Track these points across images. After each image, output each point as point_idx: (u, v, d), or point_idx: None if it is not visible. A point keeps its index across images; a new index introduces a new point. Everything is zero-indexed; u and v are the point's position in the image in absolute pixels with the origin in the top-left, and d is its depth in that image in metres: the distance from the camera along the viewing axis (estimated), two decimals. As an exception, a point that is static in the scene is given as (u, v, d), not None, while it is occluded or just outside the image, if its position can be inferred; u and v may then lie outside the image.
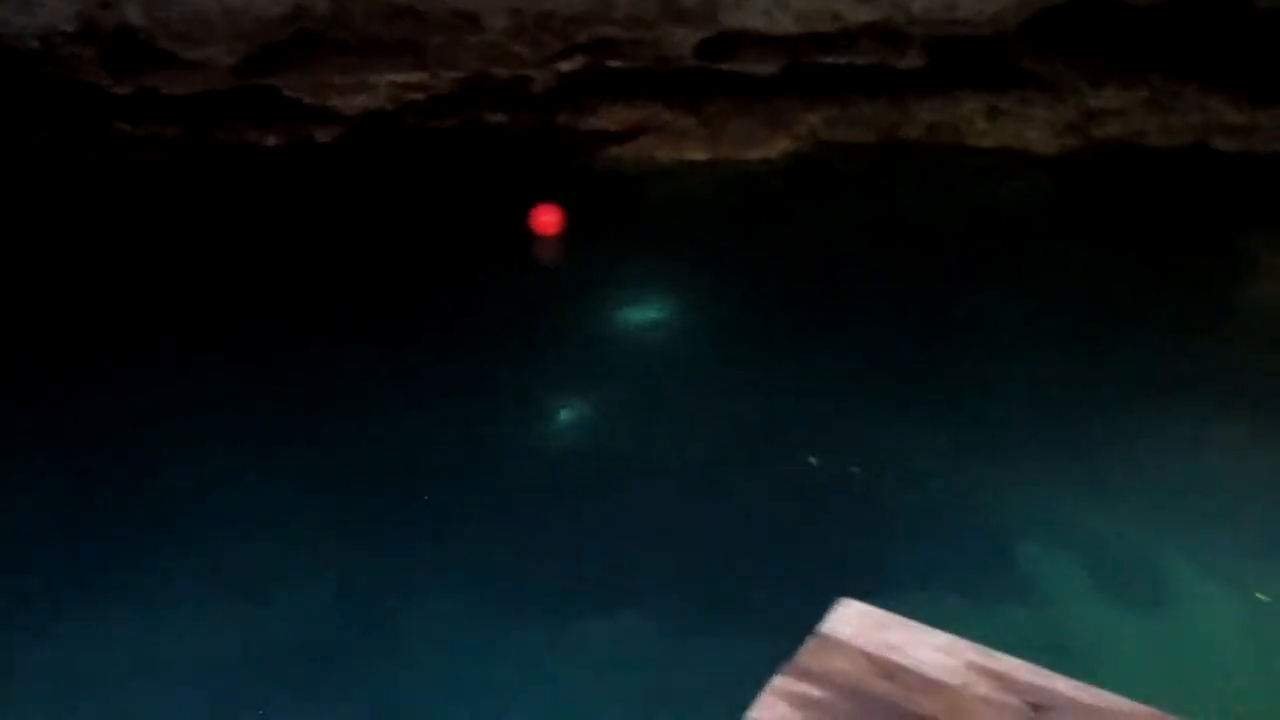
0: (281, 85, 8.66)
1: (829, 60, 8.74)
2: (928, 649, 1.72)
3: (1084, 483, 5.04)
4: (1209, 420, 5.48)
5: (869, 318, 6.55)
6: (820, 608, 1.77)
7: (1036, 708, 1.62)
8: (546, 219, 7.37)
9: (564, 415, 5.82)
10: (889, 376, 5.93)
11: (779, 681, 1.65)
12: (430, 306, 6.56)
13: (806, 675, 1.66)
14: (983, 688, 1.65)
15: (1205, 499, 4.90)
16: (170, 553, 4.59)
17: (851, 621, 1.77)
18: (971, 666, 1.69)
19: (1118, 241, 7.46)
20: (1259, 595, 4.32)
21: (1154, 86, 8.67)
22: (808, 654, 1.70)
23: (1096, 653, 4.05)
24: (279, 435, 5.32)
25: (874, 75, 8.77)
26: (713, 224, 7.68)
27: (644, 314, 6.59)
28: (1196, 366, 5.95)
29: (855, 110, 8.73)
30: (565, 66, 8.24)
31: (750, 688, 1.67)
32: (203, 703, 3.92)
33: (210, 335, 6.19)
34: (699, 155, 8.50)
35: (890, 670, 1.68)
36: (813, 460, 5.06)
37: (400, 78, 8.59)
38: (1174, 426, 5.42)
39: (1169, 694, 3.76)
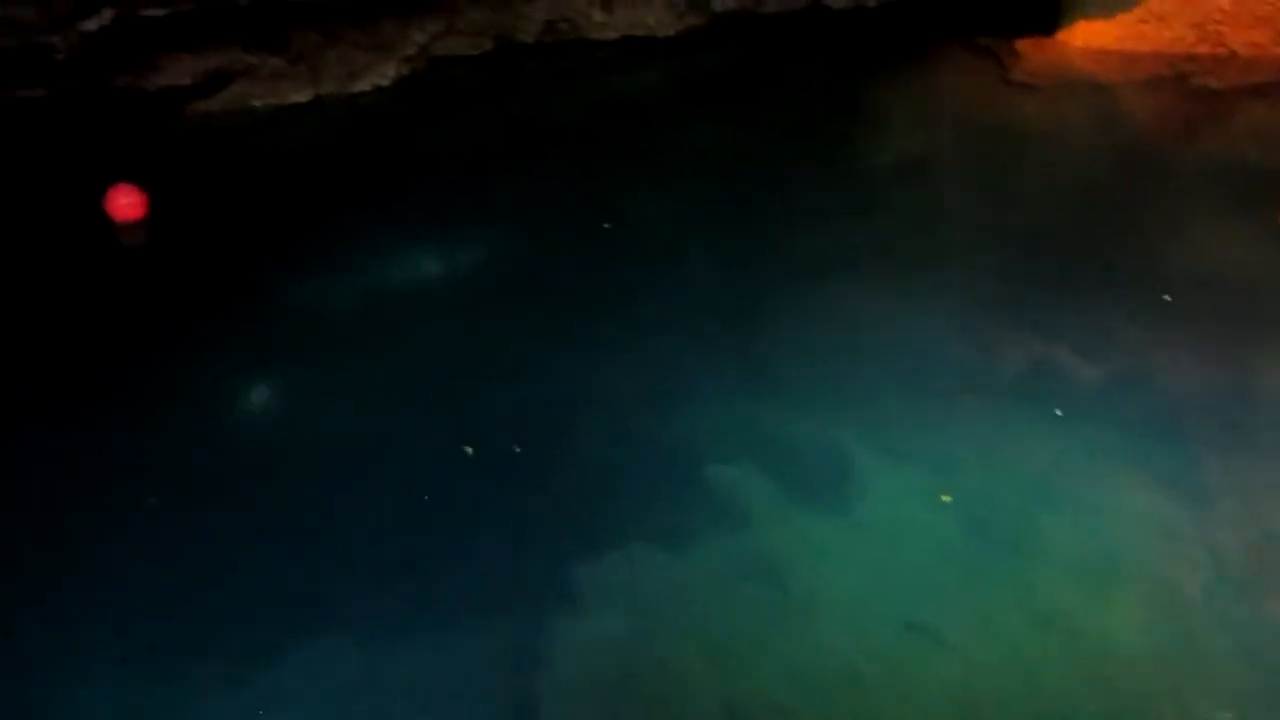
0: None
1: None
2: None
3: (758, 384, 4.83)
4: (867, 297, 5.39)
5: (508, 235, 6.07)
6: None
7: None
8: (124, 202, 6.19)
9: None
10: (538, 295, 5.49)
11: None
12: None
13: None
14: None
15: (880, 386, 4.79)
16: None
17: None
18: None
19: (752, 116, 7.27)
20: (943, 497, 4.22)
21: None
22: None
23: (794, 568, 3.91)
24: None
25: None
26: (323, 171, 6.76)
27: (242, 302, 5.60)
28: (845, 239, 5.87)
29: (463, 20, 7.95)
30: (90, 25, 6.79)
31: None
32: None
33: None
34: (300, 96, 7.49)
35: None
36: (468, 450, 4.47)
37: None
38: (834, 309, 5.31)
39: (861, 604, 3.73)
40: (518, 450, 4.45)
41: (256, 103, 7.41)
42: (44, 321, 5.32)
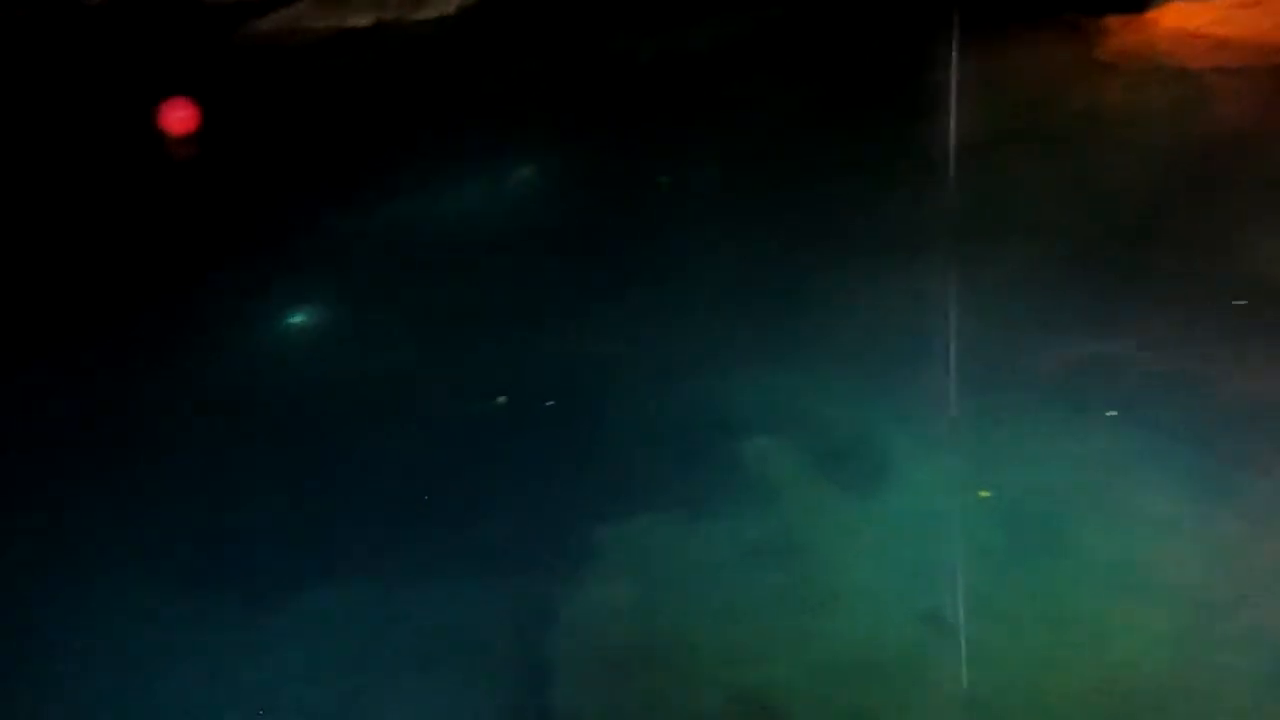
0: None
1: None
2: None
3: (800, 359, 4.69)
4: (924, 277, 5.20)
5: (559, 181, 6.01)
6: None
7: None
8: (177, 115, 6.17)
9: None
10: (585, 248, 5.39)
11: None
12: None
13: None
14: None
15: (926, 371, 4.61)
16: None
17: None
18: None
19: (820, 77, 7.08)
20: (981, 493, 4.06)
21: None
22: None
23: (817, 551, 3.81)
24: None
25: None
26: (376, 98, 6.66)
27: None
28: (907, 216, 5.68)
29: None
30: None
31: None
32: None
33: None
34: (361, 21, 7.40)
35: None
36: (500, 400, 4.39)
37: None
38: (887, 287, 5.13)
39: (881, 593, 3.62)
40: (549, 404, 4.37)
41: (316, 24, 7.32)
42: (83, 231, 5.33)
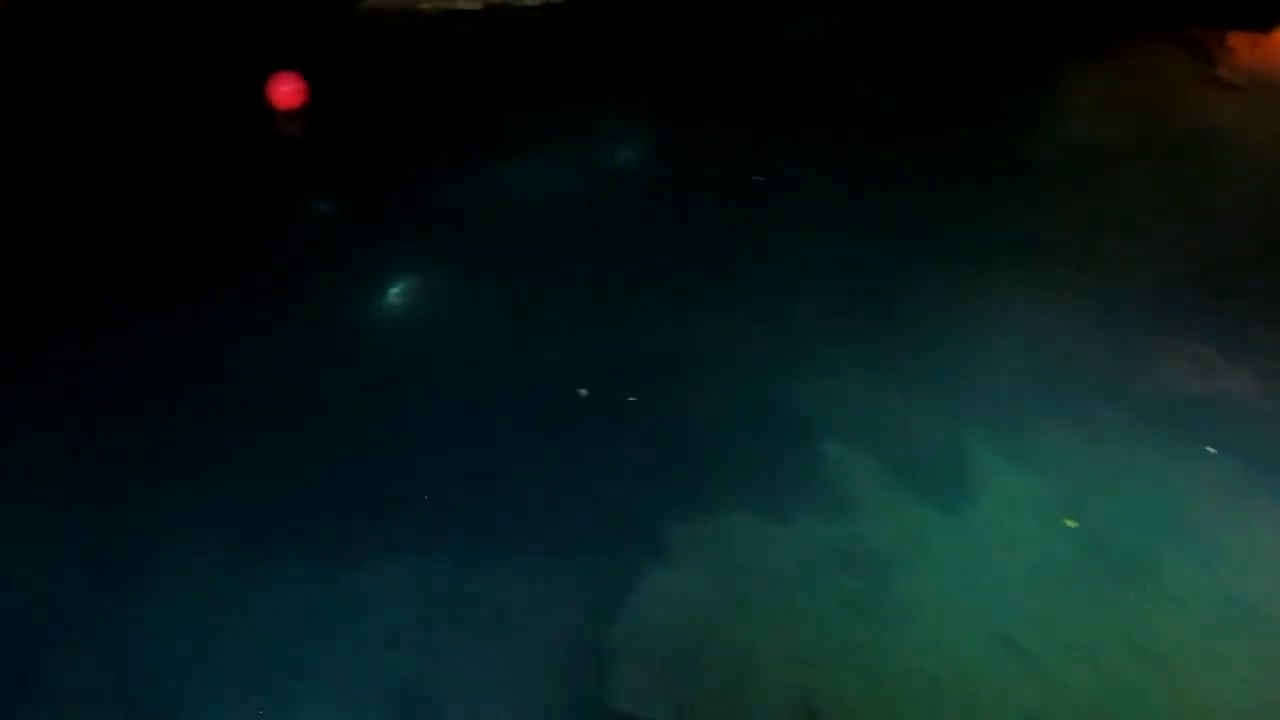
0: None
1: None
2: None
3: (886, 365, 4.62)
4: (1018, 290, 5.08)
5: (656, 172, 5.95)
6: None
7: None
8: (285, 89, 6.30)
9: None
10: (677, 240, 5.37)
11: None
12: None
13: None
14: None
15: (1016, 387, 4.52)
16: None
17: None
18: None
19: (924, 79, 6.92)
20: (1068, 522, 3.96)
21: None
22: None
23: (892, 564, 3.76)
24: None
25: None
26: (481, 80, 6.72)
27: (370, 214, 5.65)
28: (1005, 227, 5.55)
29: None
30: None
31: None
32: None
33: None
34: (470, 4, 7.48)
35: None
36: (582, 392, 4.40)
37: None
38: (980, 297, 5.03)
39: (956, 613, 3.54)
40: (632, 400, 4.38)
41: (425, 5, 7.42)
42: (186, 196, 5.48)
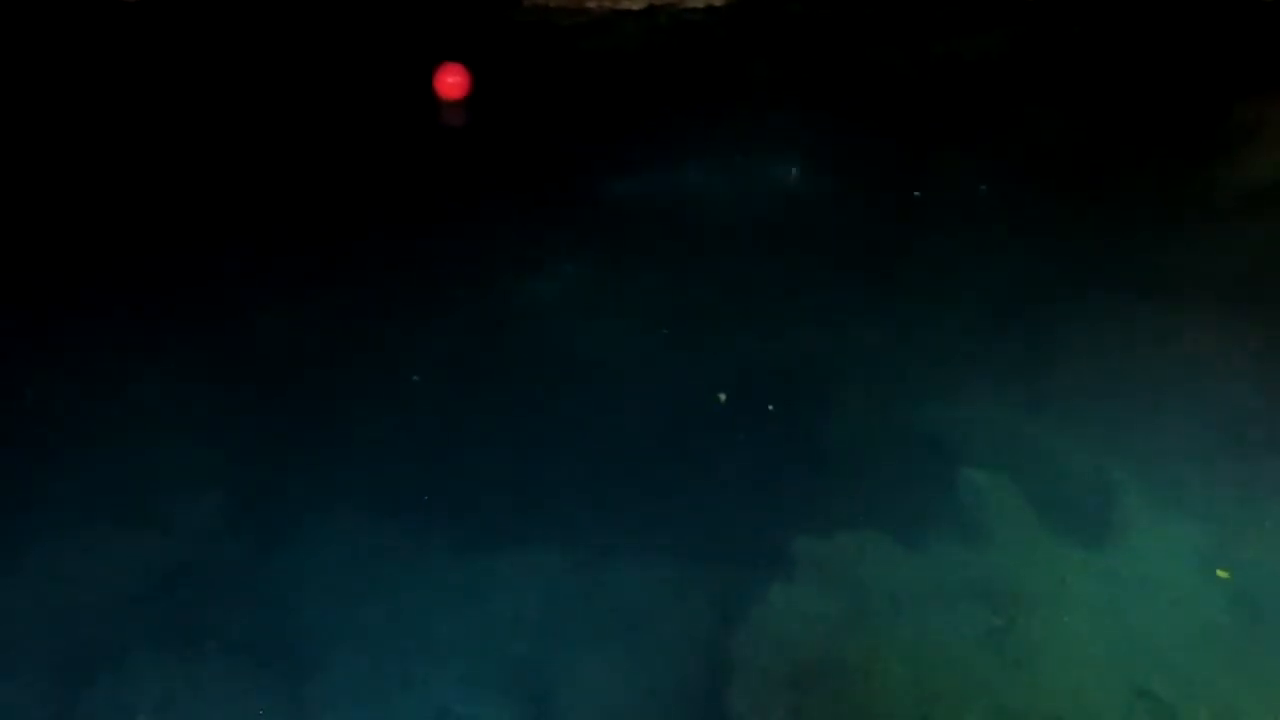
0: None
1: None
2: None
3: (1033, 393, 4.48)
4: (1180, 327, 4.86)
5: (812, 181, 5.88)
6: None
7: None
8: (451, 80, 6.49)
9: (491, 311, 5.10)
10: (829, 252, 5.32)
11: None
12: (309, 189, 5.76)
13: None
14: None
15: (1170, 426, 4.33)
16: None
17: None
18: None
19: (1099, 102, 6.65)
20: (1220, 572, 3.76)
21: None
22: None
23: (1027, 600, 3.65)
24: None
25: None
26: (642, 81, 6.78)
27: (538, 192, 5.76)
28: (1173, 262, 5.28)
29: (813, -51, 7.71)
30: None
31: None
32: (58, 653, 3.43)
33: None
34: (634, 4, 7.53)
35: None
36: (721, 397, 4.41)
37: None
38: (1139, 332, 4.83)
39: (1091, 657, 3.42)
40: (770, 409, 4.36)
41: (590, 3, 7.53)
42: (350, 183, 5.70)
